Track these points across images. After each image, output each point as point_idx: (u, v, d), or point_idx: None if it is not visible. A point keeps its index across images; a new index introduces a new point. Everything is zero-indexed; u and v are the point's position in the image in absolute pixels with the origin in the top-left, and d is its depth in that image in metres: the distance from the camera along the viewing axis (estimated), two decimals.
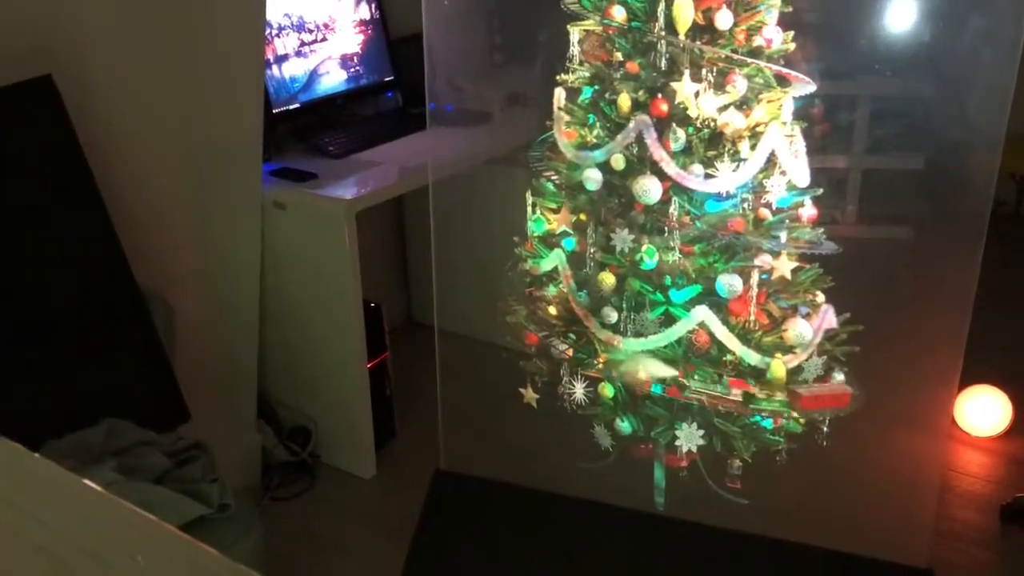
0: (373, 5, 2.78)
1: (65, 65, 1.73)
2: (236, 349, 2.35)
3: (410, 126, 2.74)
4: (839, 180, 3.84)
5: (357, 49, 2.75)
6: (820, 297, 1.72)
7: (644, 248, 1.72)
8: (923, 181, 3.81)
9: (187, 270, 2.16)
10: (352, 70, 2.73)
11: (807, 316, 1.70)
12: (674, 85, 1.61)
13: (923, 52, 3.54)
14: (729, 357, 1.72)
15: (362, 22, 2.76)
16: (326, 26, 2.64)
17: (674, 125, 1.62)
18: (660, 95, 1.63)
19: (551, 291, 1.86)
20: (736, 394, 1.71)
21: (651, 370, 1.78)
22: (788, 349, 1.70)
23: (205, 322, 2.24)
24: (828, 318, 1.70)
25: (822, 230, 1.67)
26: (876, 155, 3.80)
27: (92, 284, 1.68)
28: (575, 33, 1.70)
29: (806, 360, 1.70)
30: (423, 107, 2.89)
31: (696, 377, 1.74)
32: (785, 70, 1.59)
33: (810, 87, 1.61)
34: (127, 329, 1.73)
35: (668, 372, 1.76)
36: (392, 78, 2.88)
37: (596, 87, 1.72)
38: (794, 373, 1.72)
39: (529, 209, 1.85)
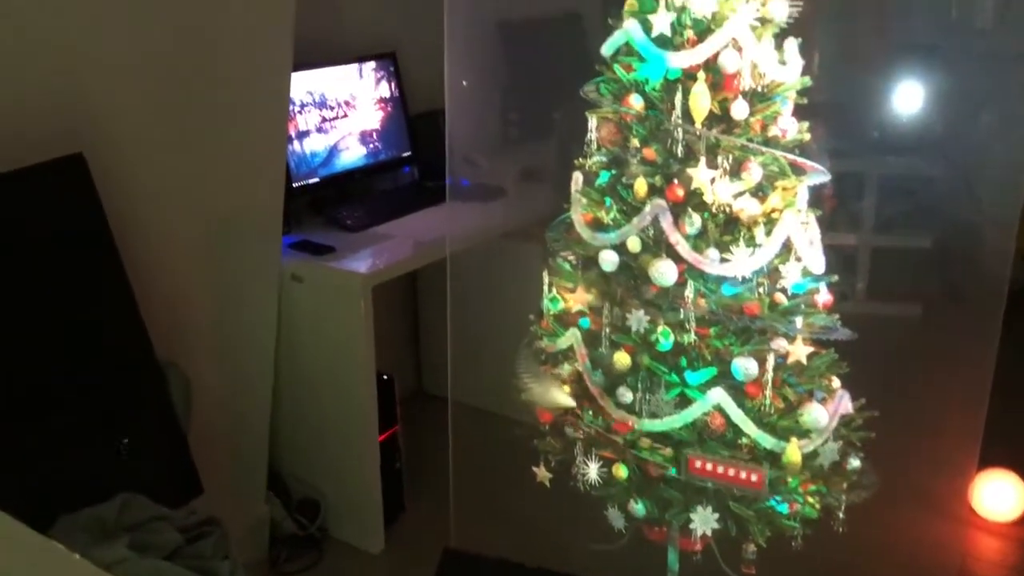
0: (393, 83, 2.85)
1: (94, 142, 1.77)
2: (248, 420, 2.35)
3: (426, 200, 2.79)
4: (848, 257, 3.88)
5: (376, 125, 2.81)
6: (835, 382, 1.72)
7: (660, 329, 1.73)
8: (932, 260, 3.84)
9: (203, 340, 2.18)
10: (371, 145, 2.79)
11: (823, 401, 1.70)
12: (690, 171, 1.64)
13: (931, 134, 3.60)
14: (744, 440, 1.72)
15: (382, 99, 2.82)
16: (347, 103, 2.70)
17: (690, 210, 1.65)
18: (676, 181, 1.66)
19: (566, 369, 1.87)
20: (619, 436, 1.76)
21: (555, 399, 1.81)
22: (804, 433, 1.69)
23: (219, 392, 2.24)
24: (844, 403, 1.70)
25: (837, 316, 1.69)
26: (885, 234, 3.84)
27: (112, 357, 1.70)
28: (593, 119, 1.74)
29: (822, 445, 1.70)
30: (439, 181, 2.95)
31: (591, 412, 1.79)
32: (800, 159, 1.62)
33: (824, 176, 1.64)
34: (144, 401, 1.74)
35: (567, 402, 1.82)
36: (409, 153, 2.93)
37: (613, 171, 1.75)
38: (809, 458, 1.71)
39: (545, 288, 1.87)
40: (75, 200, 1.64)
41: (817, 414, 1.67)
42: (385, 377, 2.47)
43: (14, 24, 1.67)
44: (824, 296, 1.69)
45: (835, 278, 1.67)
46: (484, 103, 3.23)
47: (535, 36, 3.40)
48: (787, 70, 1.61)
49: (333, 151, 2.66)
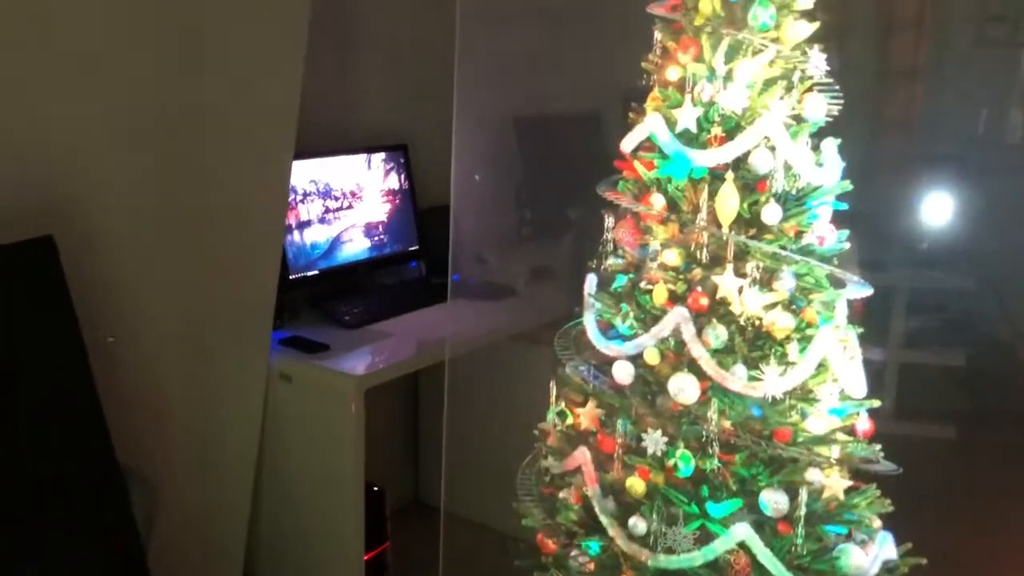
0: (403, 176, 2.75)
1: (72, 225, 1.65)
2: (224, 531, 2.15)
3: (432, 297, 2.66)
4: (875, 373, 3.70)
5: (383, 218, 2.69)
6: (876, 522, 1.52)
7: (679, 453, 1.55)
8: (965, 378, 3.65)
9: (178, 442, 2.01)
10: (376, 238, 2.67)
11: (862, 543, 1.50)
12: (715, 279, 1.48)
13: (962, 247, 3.47)
14: None
15: (390, 191, 2.71)
16: (353, 194, 2.59)
17: (714, 320, 1.49)
18: (700, 288, 1.51)
19: (572, 493, 1.68)
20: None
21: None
22: None
23: (192, 499, 2.06)
24: (887, 547, 1.50)
25: (879, 446, 1.50)
26: (915, 349, 3.66)
27: (68, 460, 1.53)
28: (609, 218, 1.60)
29: None
30: (447, 277, 2.83)
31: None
32: (839, 271, 1.47)
33: (866, 290, 1.49)
34: (100, 512, 1.56)
35: None
36: (417, 247, 2.81)
37: (631, 275, 1.60)
38: None
39: (552, 400, 1.70)
40: (41, 285, 1.51)
41: (856, 558, 1.47)
42: (376, 489, 2.28)
43: None
44: (864, 424, 1.51)
45: (877, 403, 1.49)
46: (497, 199, 3.13)
47: (552, 133, 3.32)
48: (825, 172, 1.47)
49: (335, 243, 2.54)
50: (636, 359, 1.58)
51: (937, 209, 3.48)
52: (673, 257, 1.54)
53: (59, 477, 1.51)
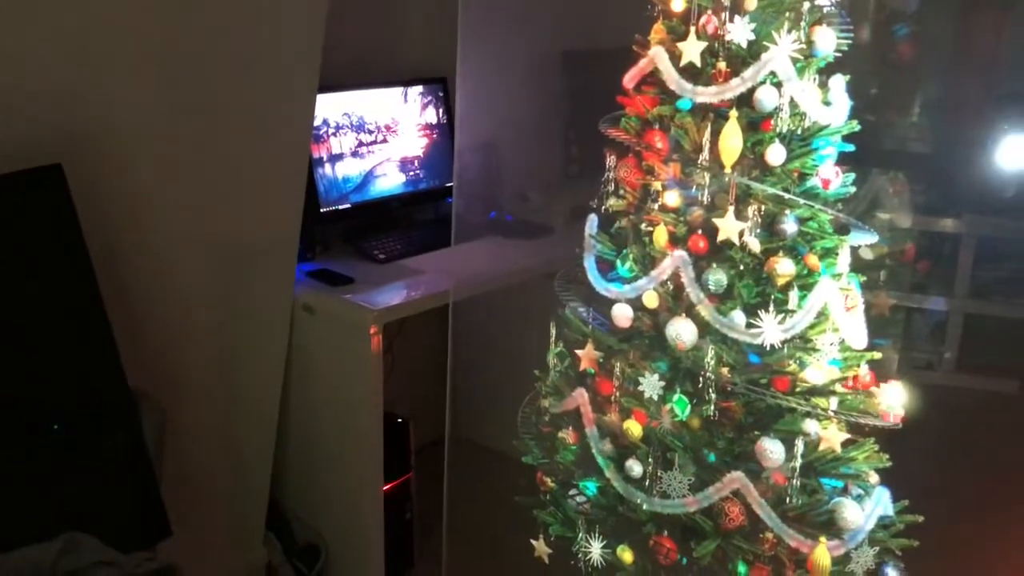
0: (441, 110, 2.72)
1: (85, 153, 1.68)
2: (249, 457, 2.22)
3: (468, 233, 2.64)
4: (937, 324, 3.55)
5: (419, 153, 2.68)
6: (873, 477, 1.47)
7: (675, 398, 1.52)
8: None
9: (203, 370, 2.06)
10: (411, 174, 2.66)
11: (858, 498, 1.45)
12: (716, 221, 1.43)
13: None
14: (766, 535, 1.48)
15: (428, 126, 2.69)
16: (388, 128, 2.58)
17: (714, 265, 1.44)
18: (700, 231, 1.45)
19: (570, 434, 1.67)
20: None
21: None
22: (836, 533, 1.45)
23: (218, 425, 2.12)
24: (883, 503, 1.45)
25: (879, 400, 1.44)
26: (981, 299, 3.49)
27: (76, 381, 1.59)
28: (611, 157, 1.56)
29: (855, 549, 1.45)
30: (483, 215, 2.81)
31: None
32: (843, 216, 1.39)
33: (871, 238, 1.41)
34: (109, 433, 1.62)
35: None
36: (453, 184, 2.79)
37: (631, 215, 1.56)
38: (841, 562, 1.46)
39: (552, 342, 1.68)
40: (49, 213, 1.55)
41: (851, 512, 1.43)
42: (400, 420, 2.31)
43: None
44: (865, 376, 1.45)
45: (878, 355, 1.43)
46: (541, 137, 3.07)
47: (603, 67, 3.23)
48: (832, 111, 1.39)
49: (368, 177, 2.54)
50: (635, 303, 1.55)
51: (1013, 152, 3.27)
52: (674, 198, 1.49)
53: (67, 398, 1.57)
